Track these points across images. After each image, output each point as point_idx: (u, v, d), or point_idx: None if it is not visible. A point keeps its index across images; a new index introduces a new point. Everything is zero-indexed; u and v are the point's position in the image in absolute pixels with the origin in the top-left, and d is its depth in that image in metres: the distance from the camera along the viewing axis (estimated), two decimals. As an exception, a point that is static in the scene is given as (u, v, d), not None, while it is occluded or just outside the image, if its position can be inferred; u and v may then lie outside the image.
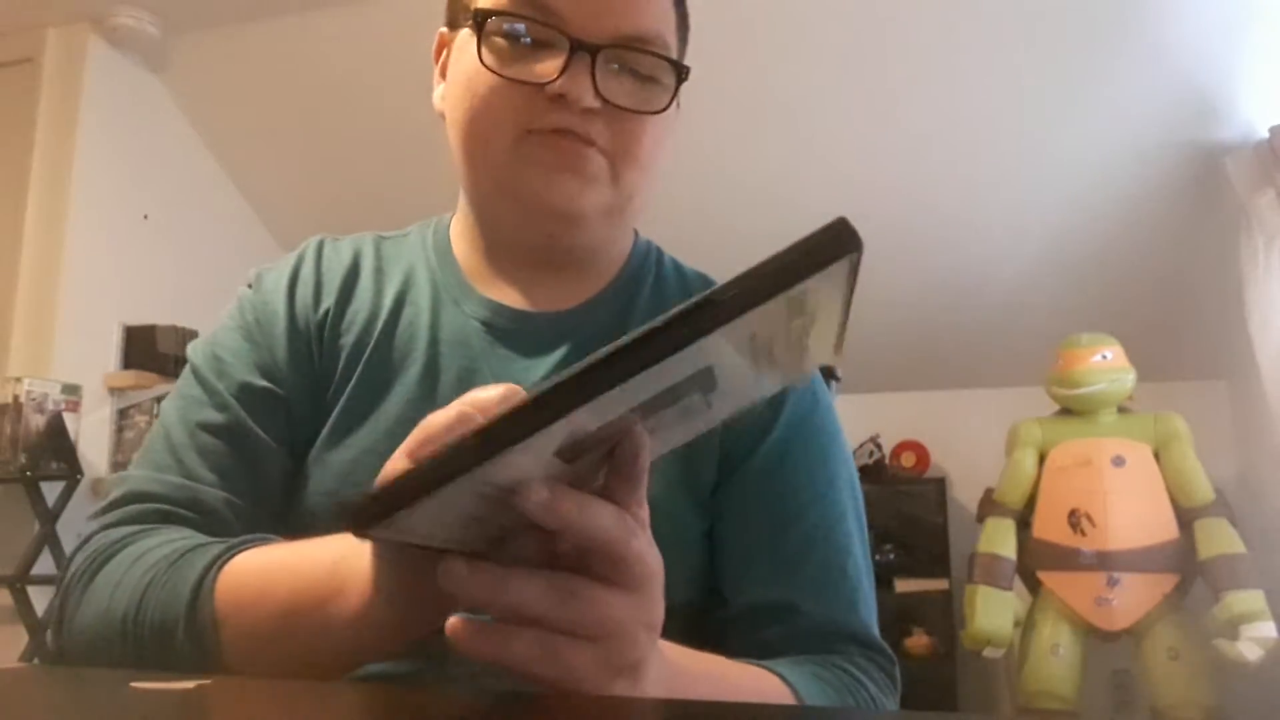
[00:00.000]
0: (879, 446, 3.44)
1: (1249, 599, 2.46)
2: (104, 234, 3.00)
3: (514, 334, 0.70)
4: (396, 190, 3.20)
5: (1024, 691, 2.68)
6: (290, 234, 3.49)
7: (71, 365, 2.85)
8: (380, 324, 0.70)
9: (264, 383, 0.68)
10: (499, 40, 0.65)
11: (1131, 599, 2.61)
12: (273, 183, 3.46)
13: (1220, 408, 3.17)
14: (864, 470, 3.36)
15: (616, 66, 0.65)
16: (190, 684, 0.45)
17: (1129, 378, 2.80)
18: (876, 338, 3.26)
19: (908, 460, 3.45)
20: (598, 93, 0.63)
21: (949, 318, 3.27)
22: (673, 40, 0.68)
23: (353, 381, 0.68)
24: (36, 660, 2.58)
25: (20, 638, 2.60)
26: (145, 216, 3.13)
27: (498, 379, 0.68)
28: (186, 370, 0.70)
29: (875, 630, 0.68)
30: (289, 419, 0.68)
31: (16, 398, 2.66)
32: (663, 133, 0.69)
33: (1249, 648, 2.41)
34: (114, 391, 3.01)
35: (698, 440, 0.64)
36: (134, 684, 0.46)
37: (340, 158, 3.29)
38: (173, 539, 0.59)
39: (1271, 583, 2.52)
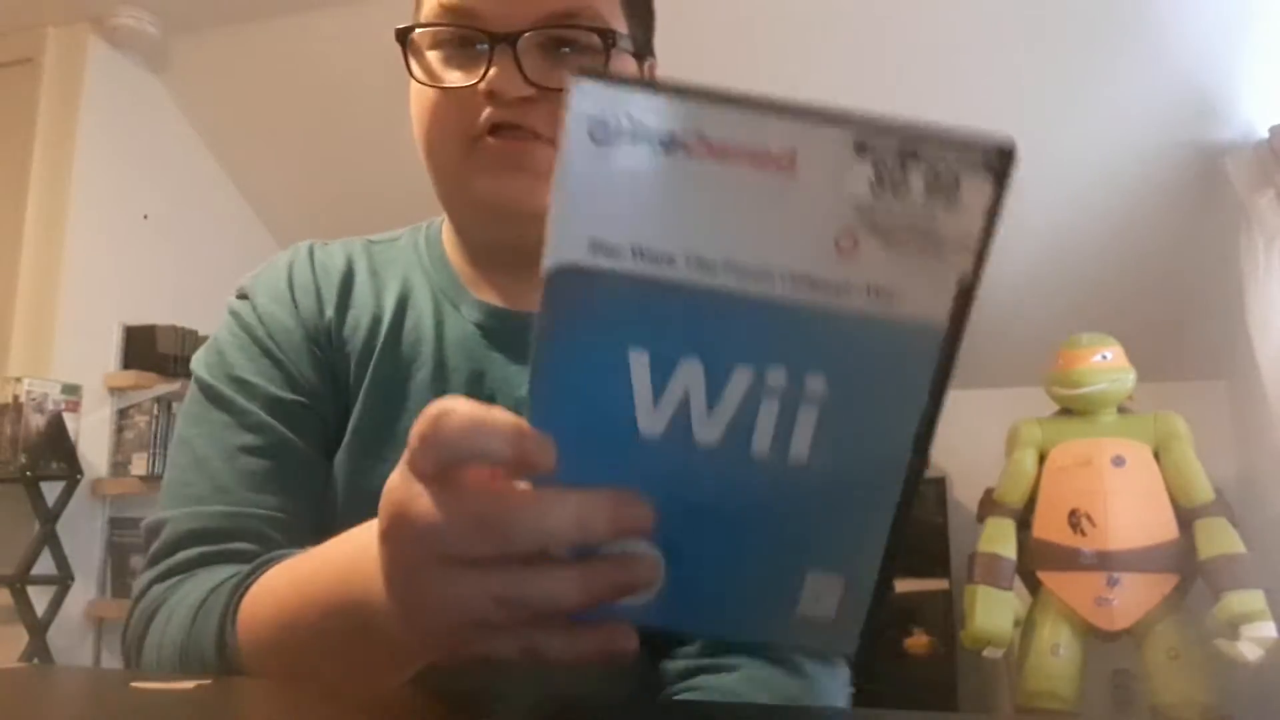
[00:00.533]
0: (879, 446, 3.44)
1: (1249, 599, 2.45)
2: (104, 234, 3.00)
3: (509, 337, 0.69)
4: (396, 190, 3.19)
5: (1024, 691, 2.68)
6: (290, 234, 3.48)
7: (71, 365, 2.84)
8: (385, 328, 0.69)
9: (293, 396, 0.67)
10: (430, 54, 0.65)
11: (1131, 599, 2.61)
12: (273, 183, 3.46)
13: (1220, 408, 3.17)
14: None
15: (546, 50, 0.63)
16: (190, 684, 0.45)
17: (1129, 378, 2.80)
18: (876, 338, 3.25)
19: (908, 460, 3.45)
20: (527, 80, 0.62)
21: (949, 318, 3.26)
22: (608, 8, 0.65)
23: (365, 387, 0.68)
24: (36, 660, 2.58)
25: (20, 638, 2.60)
26: (145, 216, 3.13)
27: (499, 383, 0.67)
28: (201, 399, 0.67)
29: None
30: (323, 427, 0.67)
31: (16, 398, 2.66)
32: None
33: (1249, 648, 2.40)
34: (114, 391, 3.01)
35: None
36: (134, 684, 0.46)
37: (340, 158, 3.29)
38: (198, 587, 0.58)
39: (1271, 583, 2.52)
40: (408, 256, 0.75)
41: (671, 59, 0.75)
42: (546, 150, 0.63)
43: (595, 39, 0.63)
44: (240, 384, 0.66)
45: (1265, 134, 2.61)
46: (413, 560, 0.36)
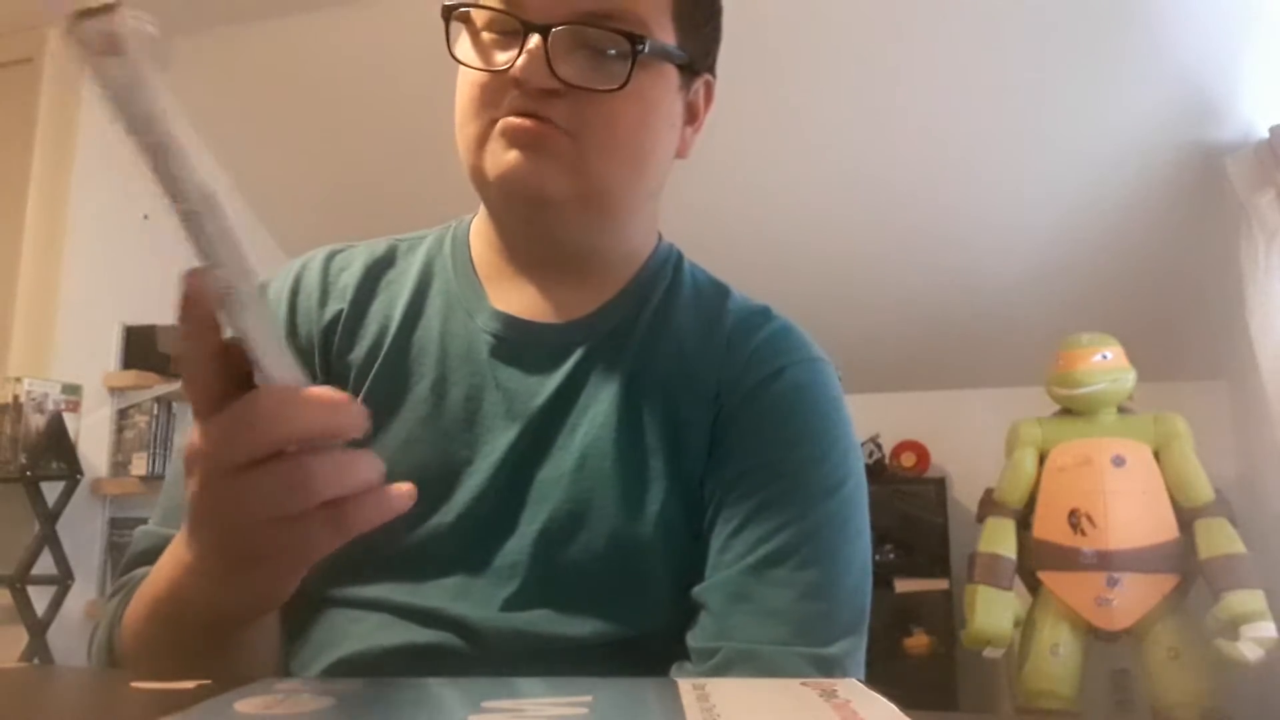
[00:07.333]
0: (879, 446, 3.44)
1: (1249, 599, 2.45)
2: (104, 234, 3.00)
3: (521, 347, 0.69)
4: (399, 191, 3.19)
5: (1024, 691, 2.68)
6: (291, 235, 3.49)
7: (71, 365, 2.84)
8: (391, 336, 0.69)
9: None
10: (483, 35, 0.66)
11: (1131, 599, 2.61)
12: (273, 183, 3.46)
13: (1220, 408, 3.17)
14: (864, 470, 3.34)
15: (578, 47, 0.63)
16: (190, 684, 0.45)
17: (1129, 378, 2.80)
18: (876, 338, 3.26)
19: (908, 460, 3.45)
20: (553, 73, 0.62)
21: (949, 318, 3.26)
22: (652, 15, 0.64)
23: (361, 396, 0.67)
24: (36, 660, 2.58)
25: (20, 638, 2.60)
26: (145, 216, 3.13)
27: (505, 395, 0.67)
28: None
29: (841, 651, 0.62)
30: None
31: (16, 398, 2.66)
32: (647, 118, 0.66)
33: (1249, 648, 2.40)
34: (114, 391, 3.01)
35: (686, 424, 0.66)
36: (134, 684, 0.46)
37: (342, 159, 3.29)
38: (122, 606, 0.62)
39: (1271, 583, 2.52)
40: (430, 258, 0.75)
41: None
42: (562, 140, 0.63)
43: (624, 42, 0.63)
44: None
45: (1265, 134, 2.62)
46: (206, 479, 0.43)
